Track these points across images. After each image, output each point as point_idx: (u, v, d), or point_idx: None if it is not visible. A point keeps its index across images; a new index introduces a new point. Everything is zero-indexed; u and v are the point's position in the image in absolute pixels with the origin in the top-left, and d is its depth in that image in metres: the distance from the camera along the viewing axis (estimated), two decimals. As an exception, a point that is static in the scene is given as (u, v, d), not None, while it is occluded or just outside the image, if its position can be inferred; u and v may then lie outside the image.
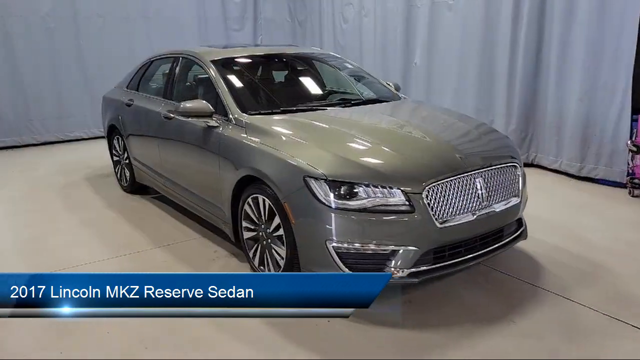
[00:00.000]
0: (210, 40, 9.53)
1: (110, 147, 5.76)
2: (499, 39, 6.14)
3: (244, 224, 3.49)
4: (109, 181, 6.01)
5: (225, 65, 4.13)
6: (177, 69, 4.51)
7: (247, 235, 3.50)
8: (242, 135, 3.46)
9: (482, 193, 3.01)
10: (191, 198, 4.17)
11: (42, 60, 8.05)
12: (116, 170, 5.72)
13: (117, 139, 5.50)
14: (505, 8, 5.98)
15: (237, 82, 4.06)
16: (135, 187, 5.43)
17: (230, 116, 3.64)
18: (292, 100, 4.08)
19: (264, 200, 3.23)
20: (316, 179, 2.87)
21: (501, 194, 3.14)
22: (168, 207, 5.02)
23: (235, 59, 4.31)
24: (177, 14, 9.16)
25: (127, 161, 5.37)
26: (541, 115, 5.90)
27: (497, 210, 3.08)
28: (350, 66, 4.79)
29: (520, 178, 3.32)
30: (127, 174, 5.41)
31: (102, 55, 8.53)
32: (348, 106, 3.96)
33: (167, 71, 5.17)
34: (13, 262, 3.88)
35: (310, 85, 4.48)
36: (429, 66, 7.19)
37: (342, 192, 2.82)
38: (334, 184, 2.84)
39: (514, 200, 3.23)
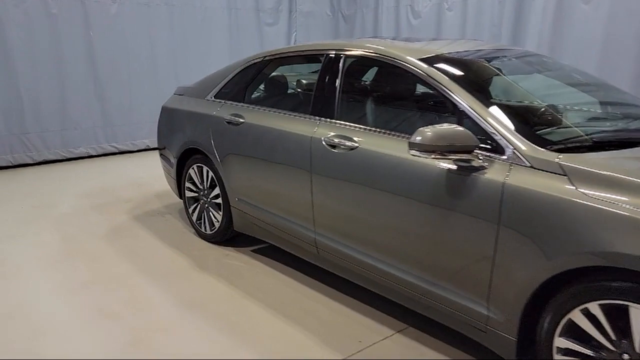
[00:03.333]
0: (241, 35, 7.94)
1: (181, 177, 4.11)
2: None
3: (565, 343, 2.01)
4: (170, 223, 4.34)
5: (451, 69, 2.60)
6: (340, 73, 2.95)
7: (569, 363, 2.02)
8: (573, 191, 1.95)
9: None
10: (397, 279, 2.60)
11: (42, 55, 6.29)
12: (192, 210, 4.06)
13: (199, 168, 3.85)
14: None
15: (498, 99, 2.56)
16: (227, 237, 3.84)
17: (517, 153, 2.13)
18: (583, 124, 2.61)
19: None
20: None
21: None
22: (290, 269, 3.45)
23: (459, 60, 2.75)
24: (206, 3, 7.52)
25: (216, 200, 3.75)
26: None
27: None
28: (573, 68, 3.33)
29: None
30: (216, 217, 3.79)
31: (116, 49, 6.83)
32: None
33: (273, 74, 3.65)
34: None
35: (580, 101, 2.94)
36: (548, 71, 5.88)
37: None
38: None
39: None
